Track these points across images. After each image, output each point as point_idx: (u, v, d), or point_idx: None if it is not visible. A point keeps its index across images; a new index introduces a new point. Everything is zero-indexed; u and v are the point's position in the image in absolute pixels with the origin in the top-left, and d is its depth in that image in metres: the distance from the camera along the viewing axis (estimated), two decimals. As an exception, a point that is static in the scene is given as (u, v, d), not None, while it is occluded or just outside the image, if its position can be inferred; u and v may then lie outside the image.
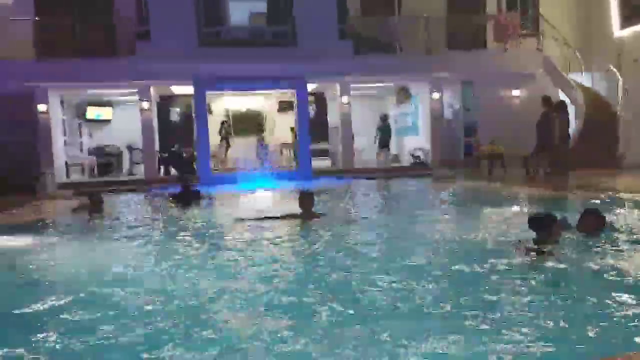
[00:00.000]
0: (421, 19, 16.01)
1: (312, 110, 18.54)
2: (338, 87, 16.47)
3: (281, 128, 19.21)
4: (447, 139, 16.83)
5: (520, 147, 13.59)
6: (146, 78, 14.91)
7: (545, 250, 4.22)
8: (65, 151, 16.59)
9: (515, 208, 7.41)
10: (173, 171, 17.42)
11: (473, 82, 16.60)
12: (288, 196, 10.73)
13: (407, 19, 16.11)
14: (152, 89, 15.84)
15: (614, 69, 14.94)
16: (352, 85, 16.32)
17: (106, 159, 18.03)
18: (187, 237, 6.26)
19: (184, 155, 16.93)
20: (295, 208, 6.60)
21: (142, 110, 15.79)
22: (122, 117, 18.58)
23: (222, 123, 18.18)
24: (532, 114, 15.35)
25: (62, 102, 16.50)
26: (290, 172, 15.28)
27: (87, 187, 14.11)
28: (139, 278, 4.36)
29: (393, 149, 19.17)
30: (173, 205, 9.81)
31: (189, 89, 17.51)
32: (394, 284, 3.83)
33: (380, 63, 15.71)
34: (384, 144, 17.55)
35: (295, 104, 15.40)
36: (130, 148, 18.63)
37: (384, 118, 18.04)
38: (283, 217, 6.54)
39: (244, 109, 19.79)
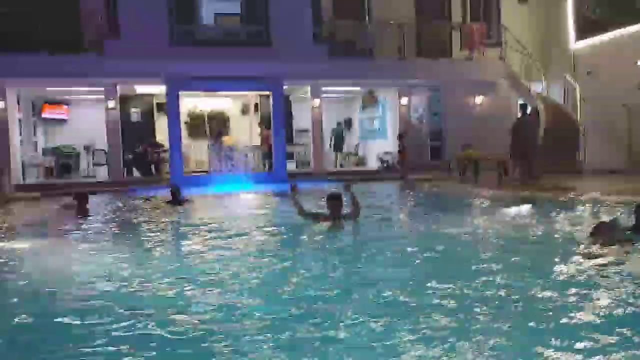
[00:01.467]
0: (392, 25, 16.37)
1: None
2: (309, 89, 16.55)
3: (243, 130, 19.02)
4: (415, 143, 17.27)
5: (483, 151, 14.29)
6: (115, 76, 14.41)
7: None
8: (22, 151, 15.69)
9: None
10: (135, 172, 16.93)
11: (440, 88, 17.16)
12: (278, 198, 10.69)
13: (380, 25, 16.38)
14: (118, 88, 15.29)
15: (571, 79, 15.89)
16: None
17: (64, 160, 17.21)
18: (219, 237, 6.15)
19: (153, 155, 16.43)
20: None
21: (107, 109, 15.21)
22: (78, 116, 17.82)
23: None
24: (493, 120, 16.19)
25: (17, 100, 15.60)
26: (264, 175, 15.17)
27: (49, 190, 13.44)
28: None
29: (360, 152, 19.54)
30: (165, 206, 9.59)
31: (152, 89, 17.15)
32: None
33: (353, 67, 15.91)
34: (337, 147, 18.94)
35: (271, 105, 15.33)
36: (87, 148, 17.90)
37: (339, 123, 18.97)
38: (318, 218, 6.48)
39: (208, 110, 19.47)
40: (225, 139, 19.14)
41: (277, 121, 15.19)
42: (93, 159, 16.68)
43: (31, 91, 16.22)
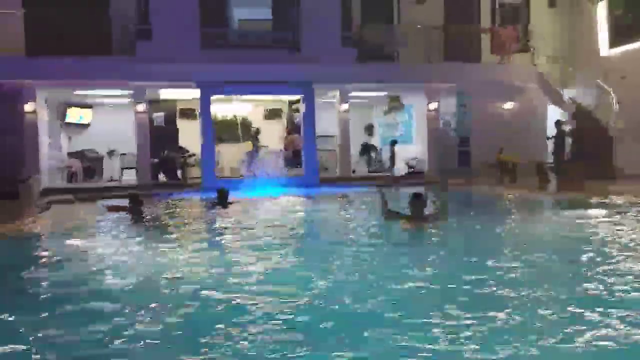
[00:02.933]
0: (421, 28, 16.26)
1: (296, 118, 18.41)
2: (337, 93, 16.41)
3: (267, 135, 18.86)
4: (443, 148, 17.12)
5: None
6: (146, 79, 14.25)
7: None
8: (48, 154, 15.52)
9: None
10: (161, 177, 16.76)
11: (468, 92, 17.02)
12: (322, 201, 10.55)
13: (409, 28, 16.27)
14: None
15: (604, 84, 15.73)
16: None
17: (88, 164, 17.04)
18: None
19: (182, 159, 16.28)
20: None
21: (137, 112, 15.04)
22: (101, 120, 17.64)
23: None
24: (523, 125, 16.03)
25: (46, 103, 15.46)
26: (297, 179, 14.99)
27: (80, 193, 13.27)
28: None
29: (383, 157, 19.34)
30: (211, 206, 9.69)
31: (175, 94, 17.03)
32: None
33: (382, 71, 15.78)
34: (364, 152, 18.87)
35: (302, 109, 15.21)
36: (111, 152, 17.74)
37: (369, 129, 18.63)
38: (402, 217, 6.36)
39: (230, 116, 19.33)
40: (247, 144, 19.06)
41: (309, 125, 15.04)
42: (121, 162, 16.45)
43: (57, 94, 16.05)
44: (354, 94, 16.86)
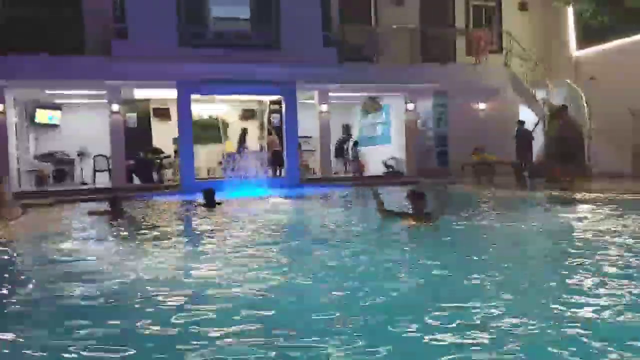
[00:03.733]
0: (399, 30, 16.39)
1: (273, 118, 18.26)
2: (315, 94, 16.35)
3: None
4: (422, 148, 17.29)
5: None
6: (123, 78, 13.83)
7: None
8: (17, 157, 14.87)
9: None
10: (135, 179, 16.31)
11: (446, 93, 17.25)
12: (309, 202, 10.45)
13: (388, 29, 16.37)
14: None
15: (574, 85, 16.18)
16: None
17: (59, 166, 16.43)
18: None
19: (158, 161, 15.88)
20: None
21: (111, 113, 14.60)
22: (72, 121, 17.06)
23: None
24: (497, 125, 16.34)
25: (14, 103, 14.81)
26: (278, 180, 14.83)
27: (48, 196, 12.74)
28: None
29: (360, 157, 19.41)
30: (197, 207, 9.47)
31: (151, 93, 16.63)
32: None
33: (362, 71, 15.83)
34: (339, 153, 19.12)
35: (284, 110, 15.05)
36: (82, 154, 17.17)
37: (346, 132, 18.96)
38: (402, 216, 6.30)
39: (205, 116, 19.01)
40: (226, 144, 18.77)
41: (291, 126, 14.91)
42: (94, 165, 15.91)
43: (25, 95, 15.41)
44: (331, 94, 16.83)
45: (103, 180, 15.89)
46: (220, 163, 18.42)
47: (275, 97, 15.68)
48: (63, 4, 13.98)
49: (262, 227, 6.91)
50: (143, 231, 6.93)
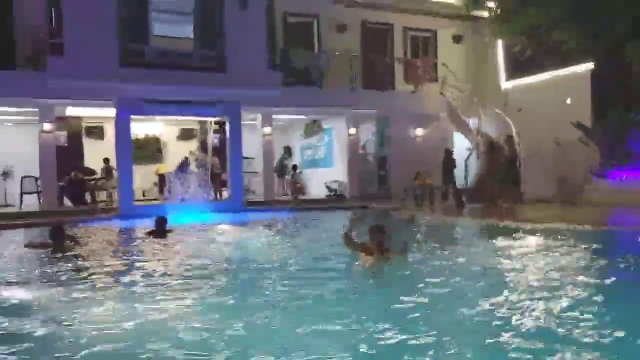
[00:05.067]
0: (341, 56, 16.71)
1: (215, 139, 18.00)
2: (260, 116, 16.27)
3: (181, 157, 18.16)
4: (364, 171, 17.59)
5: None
6: (58, 97, 13.08)
7: None
8: None
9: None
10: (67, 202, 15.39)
11: (386, 118, 17.71)
12: (260, 229, 10.25)
13: (330, 55, 16.64)
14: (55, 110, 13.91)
15: (504, 115, 17.13)
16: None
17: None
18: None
19: (92, 182, 15.09)
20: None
21: (42, 132, 13.75)
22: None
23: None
24: (432, 150, 16.93)
25: None
26: (222, 204, 14.53)
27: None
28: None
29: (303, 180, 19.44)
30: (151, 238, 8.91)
31: (81, 112, 15.89)
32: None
33: (305, 95, 15.96)
34: (280, 173, 18.85)
35: (228, 131, 14.78)
36: (5, 175, 16.01)
37: (286, 151, 18.82)
38: (365, 250, 6.11)
39: (140, 135, 18.36)
40: (162, 165, 18.16)
41: (236, 148, 14.68)
42: (22, 186, 14.83)
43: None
44: (278, 116, 16.81)
45: (30, 202, 14.83)
46: (156, 184, 17.92)
47: (221, 119, 15.36)
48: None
49: (221, 264, 6.63)
50: (88, 270, 6.35)
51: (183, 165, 15.64)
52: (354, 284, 5.53)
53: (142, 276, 5.90)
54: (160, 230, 9.07)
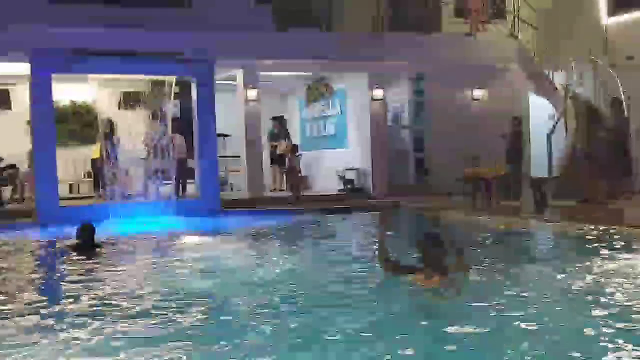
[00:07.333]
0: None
1: (175, 106, 18.17)
2: (240, 74, 16.41)
3: (125, 134, 18.34)
4: (393, 154, 17.68)
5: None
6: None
7: None
8: None
9: None
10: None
11: (426, 75, 17.78)
12: (250, 244, 10.34)
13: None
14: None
15: (606, 66, 17.06)
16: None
17: None
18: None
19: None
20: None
21: None
22: None
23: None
24: (497, 122, 16.92)
25: None
26: (188, 203, 14.76)
27: None
28: None
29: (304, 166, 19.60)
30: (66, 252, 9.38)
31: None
32: None
33: (308, 41, 15.99)
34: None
35: (195, 96, 15.03)
36: None
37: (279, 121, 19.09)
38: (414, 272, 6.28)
39: (64, 102, 18.53)
40: (94, 149, 18.28)
41: (206, 121, 14.90)
42: None
43: None
44: (263, 73, 16.92)
45: None
46: (89, 175, 18.12)
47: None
48: None
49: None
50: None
51: (107, 136, 15.84)
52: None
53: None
54: (86, 245, 9.27)
